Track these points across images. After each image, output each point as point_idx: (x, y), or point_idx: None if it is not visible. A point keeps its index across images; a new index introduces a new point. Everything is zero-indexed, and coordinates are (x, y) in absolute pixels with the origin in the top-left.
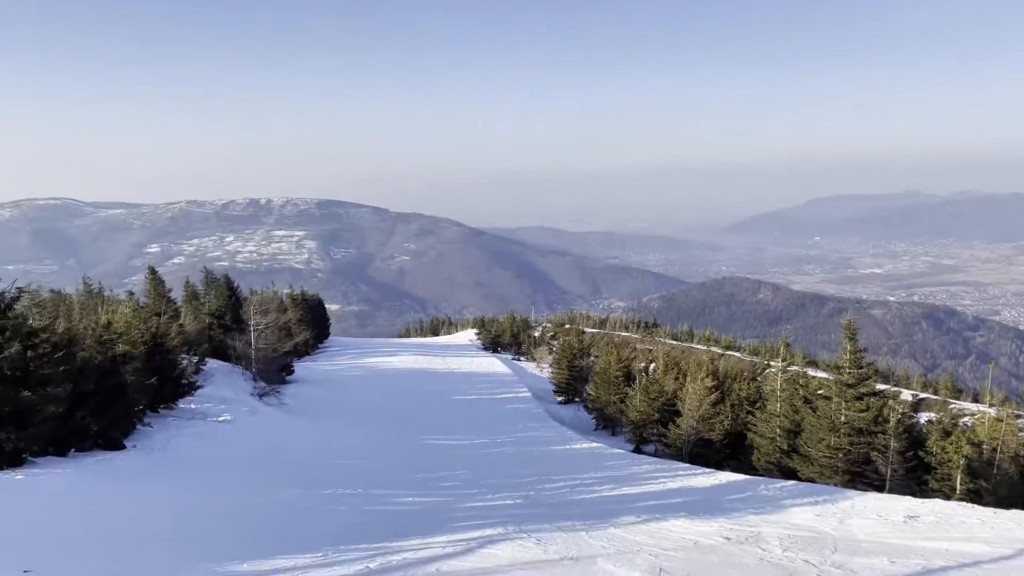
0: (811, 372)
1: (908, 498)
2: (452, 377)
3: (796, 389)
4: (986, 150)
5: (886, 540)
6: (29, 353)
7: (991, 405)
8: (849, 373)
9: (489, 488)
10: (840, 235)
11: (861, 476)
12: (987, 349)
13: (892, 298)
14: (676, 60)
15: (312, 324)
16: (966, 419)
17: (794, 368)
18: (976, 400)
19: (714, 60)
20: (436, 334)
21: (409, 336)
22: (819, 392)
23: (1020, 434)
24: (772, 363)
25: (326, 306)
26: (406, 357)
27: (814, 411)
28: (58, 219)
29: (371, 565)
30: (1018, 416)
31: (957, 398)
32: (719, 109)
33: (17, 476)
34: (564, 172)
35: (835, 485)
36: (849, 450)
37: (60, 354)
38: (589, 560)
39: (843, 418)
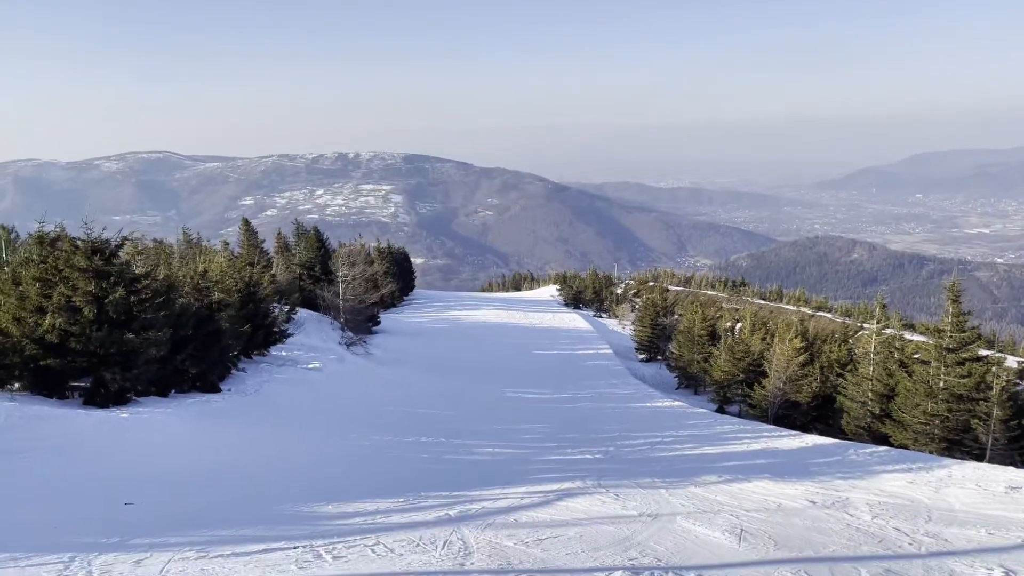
0: (907, 335)
1: (1010, 468)
2: (533, 332)
3: (891, 352)
4: None
5: (984, 511)
6: (132, 298)
7: None
8: (951, 337)
9: (569, 442)
10: (944, 192)
11: (959, 444)
12: None
13: (1000, 260)
14: (776, 9)
15: (398, 277)
16: None
17: (889, 331)
18: None
19: (817, 9)
20: (518, 289)
21: (491, 290)
22: (916, 356)
23: None
24: (866, 325)
25: (411, 259)
26: (488, 311)
27: (910, 375)
28: (160, 172)
29: (450, 512)
30: None
31: None
32: (818, 61)
33: (122, 414)
34: (652, 126)
35: (930, 452)
36: (947, 417)
37: (160, 299)
38: (668, 517)
39: (942, 383)
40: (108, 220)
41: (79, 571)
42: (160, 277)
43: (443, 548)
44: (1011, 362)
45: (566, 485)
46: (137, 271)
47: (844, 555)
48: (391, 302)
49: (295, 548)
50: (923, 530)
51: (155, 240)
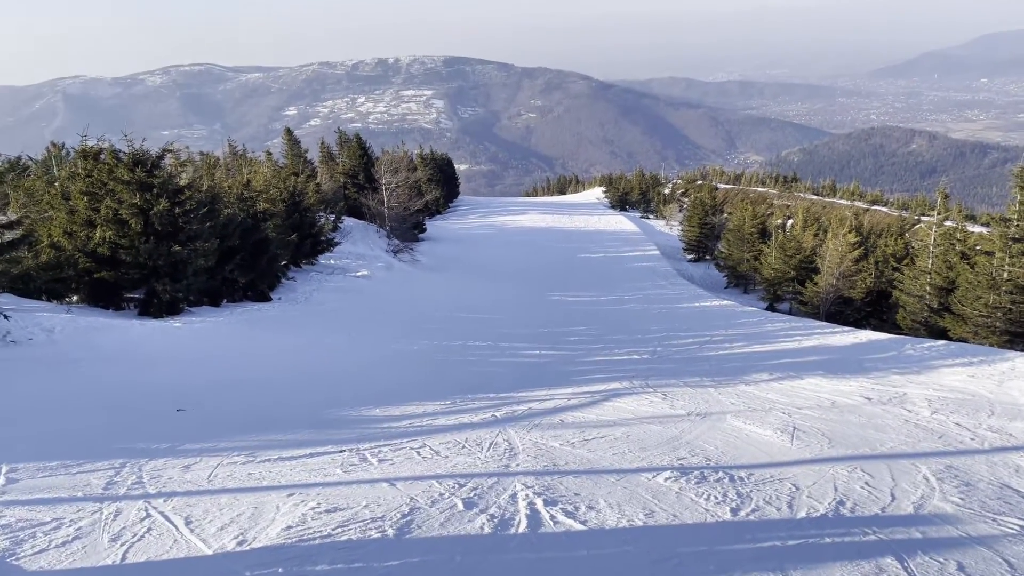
0: (969, 227)
1: None
2: (579, 235)
3: (952, 244)
4: None
5: None
6: (177, 209)
7: None
8: (1017, 226)
9: (615, 343)
10: (1012, 76)
11: (1022, 337)
12: None
13: None
14: None
15: (442, 183)
16: None
17: (949, 222)
18: None
19: None
20: (563, 193)
21: (536, 195)
22: (978, 247)
23: None
24: (924, 217)
25: (455, 166)
26: (534, 215)
27: (972, 267)
28: (204, 84)
29: (497, 414)
30: None
31: None
32: None
33: (175, 323)
34: (700, 16)
35: (991, 345)
36: (1010, 309)
37: (205, 210)
38: (718, 416)
39: (1006, 275)
40: (155, 135)
41: (129, 476)
42: (203, 188)
43: (489, 449)
44: None
45: (613, 386)
46: (180, 183)
47: (902, 452)
48: (436, 209)
49: (341, 452)
50: (986, 424)
51: (201, 153)
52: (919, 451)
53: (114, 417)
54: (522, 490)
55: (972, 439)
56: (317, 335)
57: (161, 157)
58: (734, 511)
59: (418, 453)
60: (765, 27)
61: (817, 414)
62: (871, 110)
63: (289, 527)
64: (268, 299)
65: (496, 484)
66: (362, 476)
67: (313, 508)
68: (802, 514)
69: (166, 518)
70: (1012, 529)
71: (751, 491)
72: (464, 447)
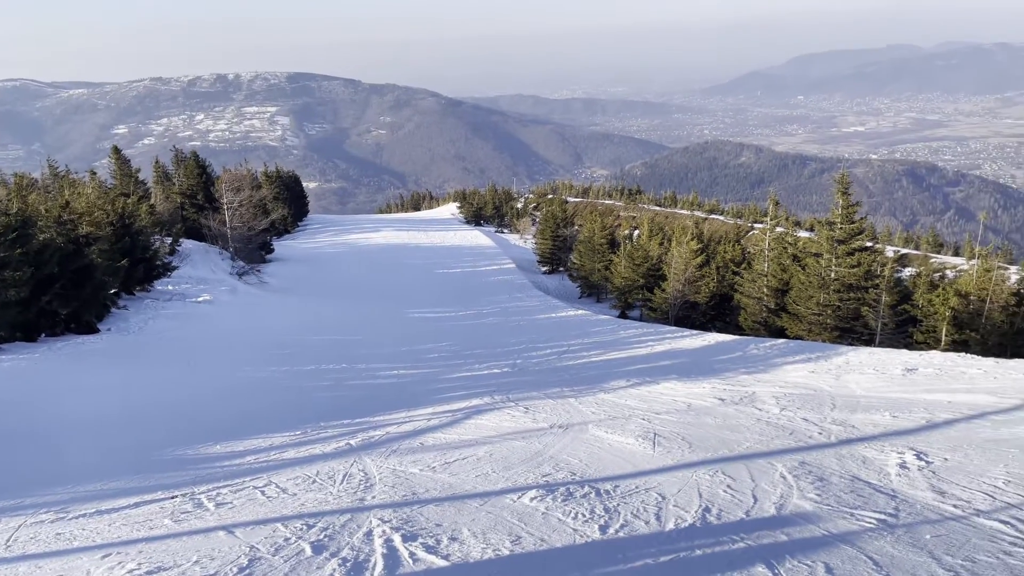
0: (797, 232)
1: (904, 351)
2: (435, 251)
3: (784, 248)
4: None
5: (885, 395)
6: None
7: (974, 257)
8: (841, 228)
9: (475, 358)
10: (823, 93)
11: (850, 332)
12: (966, 204)
13: (874, 156)
14: None
15: (289, 202)
16: (947, 272)
17: (780, 228)
18: (957, 254)
19: None
20: (417, 209)
21: (390, 212)
22: (806, 250)
23: (1005, 284)
24: (756, 224)
25: (303, 183)
26: (388, 232)
27: (803, 269)
28: (18, 101)
29: (352, 442)
30: (1001, 267)
31: (938, 252)
32: None
33: None
34: (541, 35)
35: (824, 341)
36: (839, 306)
37: (14, 235)
38: (580, 427)
39: (833, 275)
40: None
41: None
42: (13, 211)
43: (342, 483)
44: (888, 251)
45: (474, 402)
46: None
47: (758, 451)
48: (284, 228)
49: (172, 498)
50: (830, 418)
51: (14, 174)
52: (773, 449)
53: None
54: (378, 526)
55: (820, 433)
56: (151, 368)
57: None
58: (603, 528)
59: (262, 493)
60: (605, 47)
61: (675, 418)
62: (704, 125)
63: None
64: (95, 330)
65: (350, 521)
66: (195, 525)
67: (131, 571)
68: (670, 526)
69: None
70: (870, 523)
71: (618, 505)
72: (315, 482)
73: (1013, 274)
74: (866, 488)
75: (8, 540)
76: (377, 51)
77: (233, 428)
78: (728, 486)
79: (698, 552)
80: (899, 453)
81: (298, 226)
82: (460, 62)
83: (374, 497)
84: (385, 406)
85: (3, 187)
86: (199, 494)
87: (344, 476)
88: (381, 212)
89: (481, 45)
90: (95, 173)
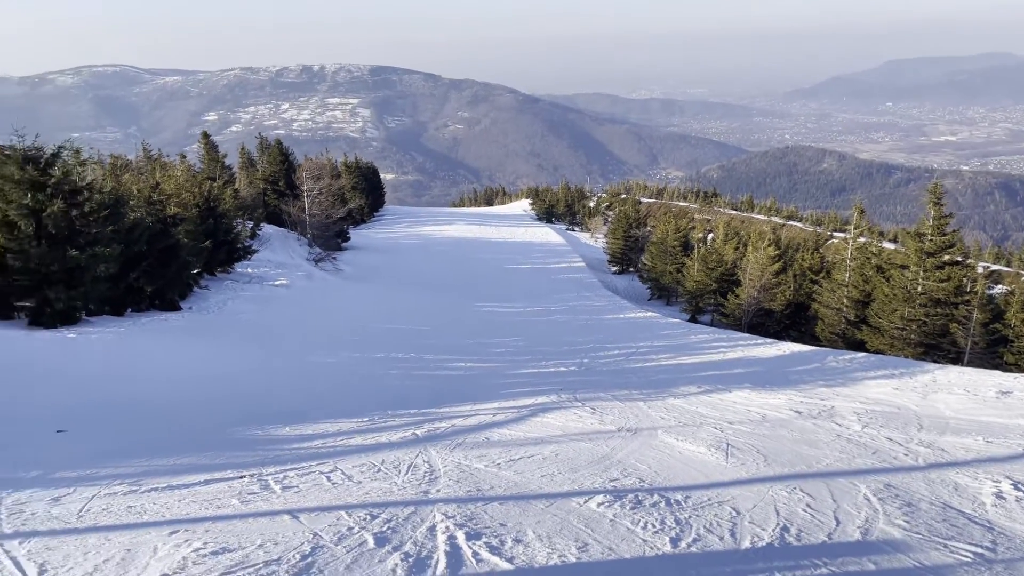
0: (880, 243)
1: (997, 372)
2: (506, 246)
3: (868, 258)
4: None
5: (977, 417)
6: (74, 212)
7: None
8: (931, 241)
9: (542, 355)
10: (913, 100)
11: (936, 349)
12: None
13: (965, 167)
14: None
15: (367, 192)
16: None
17: (863, 239)
18: None
19: None
20: (490, 204)
21: (463, 206)
22: (891, 261)
23: None
24: (837, 233)
25: (381, 175)
26: (460, 226)
27: (887, 281)
28: (118, 86)
29: (418, 432)
30: None
31: None
32: None
33: (69, 334)
34: (623, 36)
35: (906, 357)
36: (925, 321)
37: (106, 213)
38: (649, 432)
39: (920, 288)
40: (65, 137)
41: None
42: (107, 190)
43: (407, 473)
44: (979, 268)
45: (540, 400)
46: (77, 183)
47: (840, 469)
48: (360, 218)
49: (241, 478)
50: (916, 439)
51: (112, 156)
52: (855, 468)
53: None
54: (442, 521)
55: (906, 455)
56: (227, 347)
57: (56, 155)
58: (674, 541)
59: (328, 478)
60: (687, 48)
61: (749, 429)
62: (785, 130)
63: None
64: (177, 308)
65: (413, 514)
66: (261, 507)
67: (197, 550)
68: (746, 543)
69: (17, 565)
70: (965, 556)
71: (690, 517)
72: (380, 470)
73: None
74: (959, 517)
75: (81, 510)
76: (457, 48)
77: (303, 411)
78: (808, 505)
79: (777, 575)
80: (995, 482)
81: (374, 216)
82: (539, 59)
83: (438, 491)
84: (452, 398)
85: (99, 167)
86: (267, 475)
87: (409, 467)
88: (455, 206)
89: (561, 44)
90: (184, 156)
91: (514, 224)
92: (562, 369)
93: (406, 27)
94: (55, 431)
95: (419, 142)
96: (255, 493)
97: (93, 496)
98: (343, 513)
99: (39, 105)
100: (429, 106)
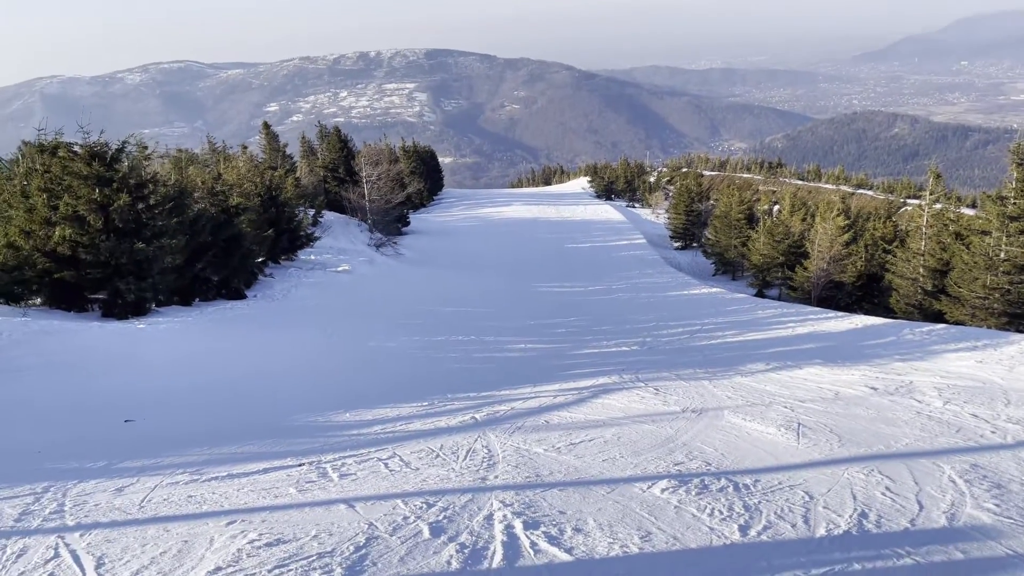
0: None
1: None
2: (565, 225)
3: (945, 225)
4: None
5: None
6: (140, 205)
7: None
8: (1015, 204)
9: (603, 335)
10: (991, 58)
11: (1021, 318)
12: None
13: None
14: None
15: (425, 176)
16: None
17: (938, 205)
18: None
19: None
20: (548, 183)
21: (521, 186)
22: (971, 228)
23: None
24: (911, 200)
25: (439, 158)
26: (519, 207)
27: (967, 248)
28: (184, 82)
29: (477, 416)
30: None
31: None
32: None
33: (139, 325)
34: (680, 4)
35: (989, 328)
36: (1008, 290)
37: (171, 205)
38: (715, 412)
39: (1003, 254)
40: (140, 136)
41: (50, 504)
42: (171, 182)
43: (465, 459)
44: None
45: (602, 380)
46: (142, 176)
47: (921, 449)
48: (419, 202)
49: (300, 466)
50: (1004, 415)
51: (179, 149)
52: (938, 448)
53: (55, 430)
54: (499, 509)
55: (993, 432)
56: (291, 334)
57: (120, 150)
58: (743, 529)
59: (386, 465)
60: (748, 14)
61: (821, 407)
62: (853, 95)
63: (217, 569)
64: (243, 297)
65: (470, 502)
66: (318, 496)
67: (252, 541)
68: (821, 531)
69: (75, 558)
70: None
71: (760, 503)
72: (438, 456)
73: None
74: None
75: (143, 500)
76: (512, 25)
77: (363, 396)
78: (887, 488)
79: (856, 566)
80: None
81: (433, 200)
82: (595, 34)
83: (496, 477)
84: (511, 380)
85: (167, 160)
86: (325, 463)
87: (467, 452)
88: (513, 187)
89: (617, 16)
90: (246, 147)
91: (573, 203)
92: (624, 349)
93: (460, 7)
94: (123, 421)
95: (476, 124)
96: (313, 481)
97: (155, 486)
98: (399, 502)
99: (110, 103)
100: (485, 87)
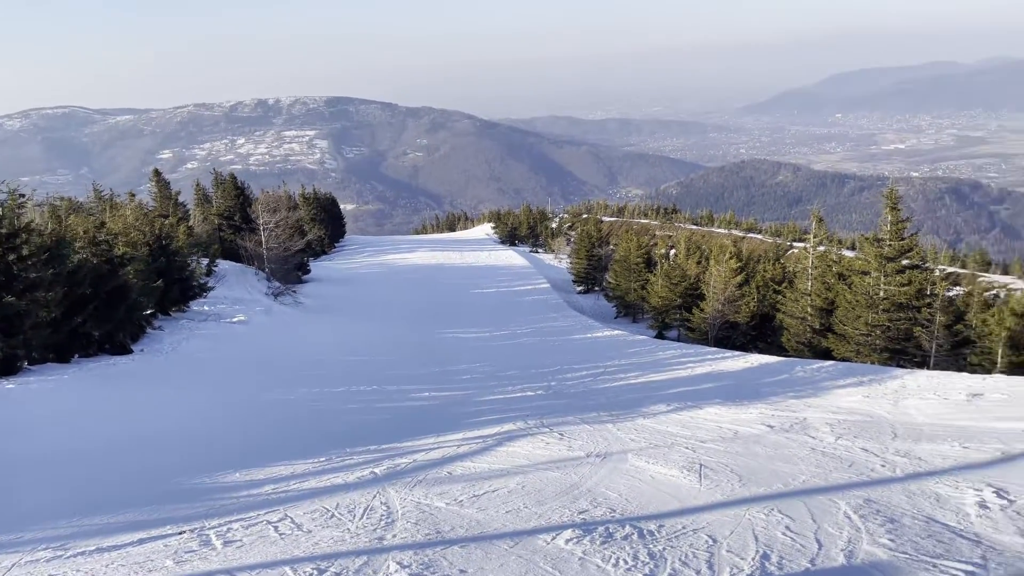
0: (840, 251)
1: (965, 375)
2: (470, 271)
3: (829, 266)
4: (1014, 10)
5: (951, 422)
6: (11, 256)
7: None
8: (890, 245)
9: (509, 380)
10: (862, 111)
11: (902, 353)
12: (1012, 222)
13: (915, 174)
14: None
15: (327, 223)
16: (994, 292)
17: (821, 248)
18: (1006, 272)
19: None
20: (453, 230)
21: (426, 232)
22: (852, 268)
23: None
24: (797, 243)
25: (341, 205)
26: (423, 253)
27: (850, 287)
28: (68, 128)
29: (376, 470)
30: None
31: (986, 271)
32: None
33: (7, 384)
34: (577, 58)
35: (874, 363)
36: (888, 326)
37: (46, 256)
38: (619, 456)
39: (882, 293)
40: (15, 183)
41: None
42: (47, 232)
43: (362, 517)
44: (936, 271)
45: (507, 427)
46: (16, 226)
47: (817, 486)
48: (321, 249)
49: (180, 534)
50: (892, 449)
51: (61, 197)
52: (833, 484)
53: None
54: (396, 572)
55: (883, 466)
56: (180, 389)
57: None
58: None
59: (275, 529)
60: (641, 68)
61: (722, 447)
62: (740, 144)
63: None
64: (128, 351)
65: (365, 566)
66: (198, 568)
67: None
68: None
69: None
70: None
71: (664, 549)
72: (333, 516)
73: None
74: (945, 532)
75: None
76: (413, 75)
77: (256, 454)
78: (787, 528)
79: None
80: (976, 490)
81: (335, 247)
82: (496, 84)
83: (395, 536)
84: (414, 431)
85: (44, 209)
86: (208, 529)
87: (365, 510)
88: (417, 233)
89: (517, 67)
90: (134, 195)
91: (478, 248)
92: (529, 393)
93: (361, 56)
94: None
95: (379, 171)
96: (193, 551)
97: (12, 565)
98: (288, 569)
99: None
100: (387, 135)
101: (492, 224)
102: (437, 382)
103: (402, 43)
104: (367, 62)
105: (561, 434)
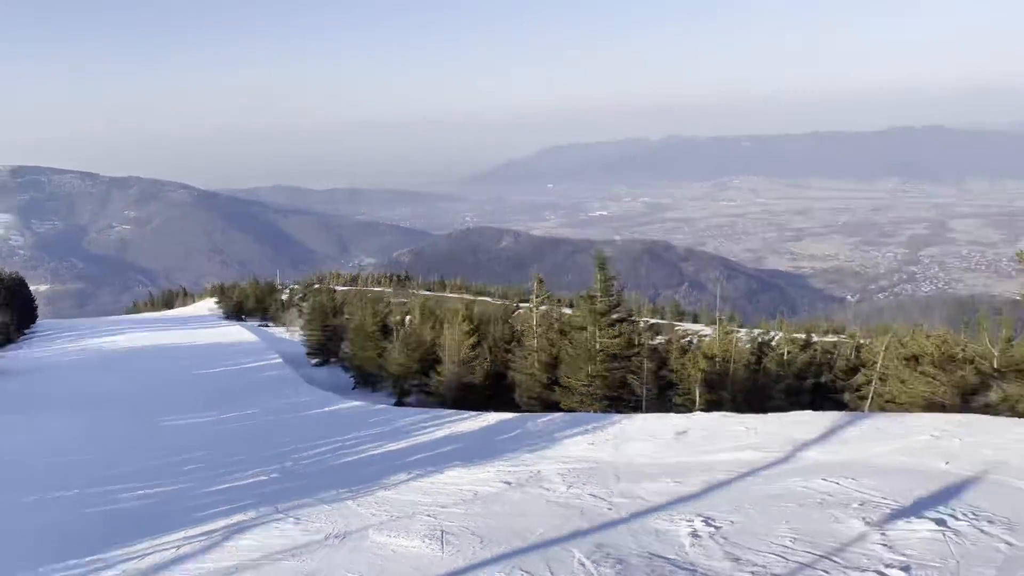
0: (562, 309)
1: (672, 415)
2: (192, 350)
3: (551, 323)
4: (687, 96)
5: (664, 460)
6: None
7: (712, 323)
8: (602, 301)
9: (239, 465)
10: (571, 182)
11: (619, 400)
12: (697, 277)
13: (618, 237)
14: (397, 21)
15: (13, 308)
16: (689, 338)
17: (543, 307)
18: (696, 321)
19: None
20: (170, 307)
21: (139, 311)
22: (572, 324)
23: (743, 345)
24: (523, 303)
25: (32, 287)
26: (137, 334)
27: (571, 342)
28: None
29: None
30: (734, 331)
31: (680, 320)
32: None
33: None
34: (300, 127)
35: (595, 411)
36: (606, 376)
37: None
38: (359, 534)
39: (599, 345)
40: None
41: None
42: None
43: None
44: (641, 323)
45: (236, 518)
46: None
47: (553, 538)
48: (6, 338)
49: None
50: (616, 491)
51: None
52: (566, 533)
53: None
54: None
55: (609, 509)
56: None
57: None
58: None
59: None
60: (368, 139)
61: (463, 510)
62: (466, 212)
63: None
64: None
65: None
66: None
67: None
68: None
69: None
70: None
71: None
72: None
73: (743, 336)
74: (666, 565)
75: None
76: (116, 143)
77: None
78: None
79: None
80: (688, 521)
81: (24, 334)
82: (212, 154)
83: None
84: (124, 536)
85: None
86: None
87: None
88: (129, 312)
89: (235, 137)
90: None
91: (199, 326)
92: (262, 478)
93: (53, 123)
94: None
95: (79, 247)
96: None
97: None
98: None
99: None
100: (88, 207)
101: (215, 299)
102: (154, 477)
103: (104, 110)
104: (60, 130)
105: (297, 518)
